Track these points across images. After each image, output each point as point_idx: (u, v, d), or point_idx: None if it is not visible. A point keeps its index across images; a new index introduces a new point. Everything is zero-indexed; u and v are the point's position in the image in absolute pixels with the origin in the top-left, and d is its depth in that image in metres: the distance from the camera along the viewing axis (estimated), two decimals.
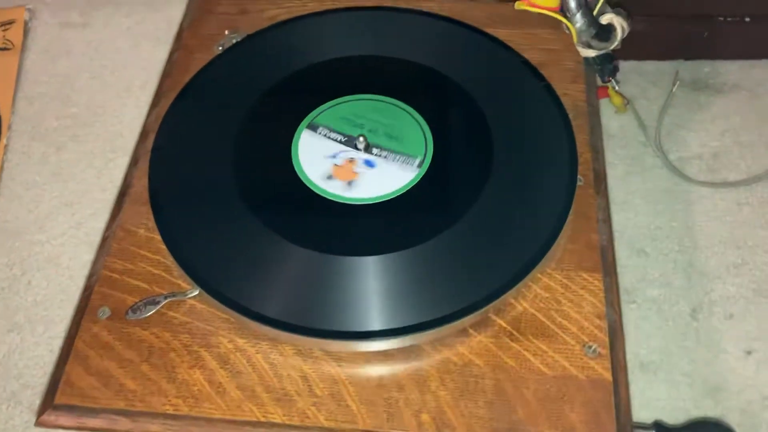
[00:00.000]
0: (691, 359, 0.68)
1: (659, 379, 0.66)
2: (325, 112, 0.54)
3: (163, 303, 0.47)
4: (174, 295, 0.48)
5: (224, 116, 0.54)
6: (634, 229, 0.76)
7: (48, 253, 0.76)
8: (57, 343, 0.70)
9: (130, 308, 0.47)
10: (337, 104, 0.54)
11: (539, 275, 0.48)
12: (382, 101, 0.55)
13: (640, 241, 0.75)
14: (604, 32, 0.55)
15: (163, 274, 0.49)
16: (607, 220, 0.51)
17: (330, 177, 0.51)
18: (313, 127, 0.53)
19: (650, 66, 0.89)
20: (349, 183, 0.50)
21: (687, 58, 0.90)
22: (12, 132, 0.86)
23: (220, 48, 0.61)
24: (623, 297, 0.71)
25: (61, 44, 0.95)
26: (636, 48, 0.88)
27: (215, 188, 0.50)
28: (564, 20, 0.55)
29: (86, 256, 0.75)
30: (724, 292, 0.71)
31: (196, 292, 0.48)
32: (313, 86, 0.56)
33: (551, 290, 0.48)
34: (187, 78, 0.58)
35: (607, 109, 0.82)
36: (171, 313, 0.48)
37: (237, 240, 0.48)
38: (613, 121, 0.85)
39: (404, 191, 0.50)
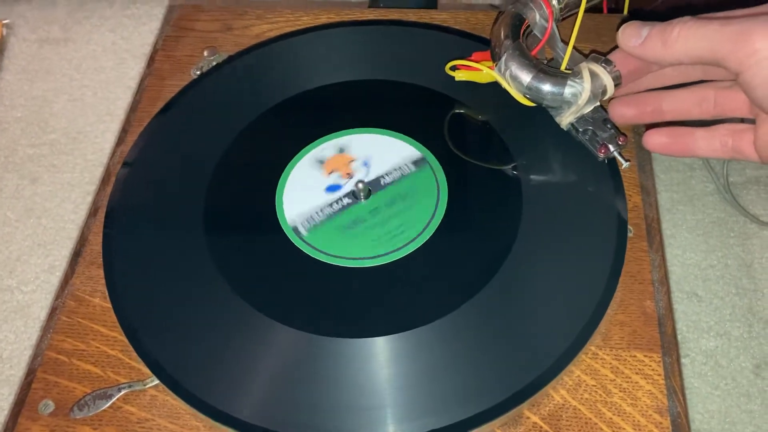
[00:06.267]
0: (757, 426, 0.58)
1: None
2: (311, 152, 0.45)
3: (117, 396, 0.39)
4: (130, 386, 0.39)
5: (197, 162, 0.45)
6: (682, 268, 0.66)
7: (17, 302, 0.68)
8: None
9: (76, 404, 0.38)
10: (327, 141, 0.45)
11: (583, 356, 0.39)
12: (384, 134, 0.45)
13: (690, 282, 0.65)
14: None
15: (120, 355, 0.40)
16: (665, 282, 0.42)
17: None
18: (291, 183, 0.44)
19: None
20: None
21: None
22: None
23: (198, 72, 0.52)
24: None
25: (40, 63, 0.86)
26: None
27: (184, 253, 0.41)
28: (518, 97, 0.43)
29: None
30: None
31: (157, 382, 0.39)
32: (303, 120, 0.47)
33: (598, 376, 0.38)
34: (157, 108, 0.49)
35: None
36: (127, 407, 0.39)
37: (210, 317, 0.39)
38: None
39: (408, 253, 0.40)
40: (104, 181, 0.49)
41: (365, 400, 0.36)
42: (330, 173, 0.44)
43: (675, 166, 0.72)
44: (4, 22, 0.89)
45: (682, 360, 0.61)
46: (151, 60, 0.55)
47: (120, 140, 0.51)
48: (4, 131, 0.80)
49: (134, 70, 0.84)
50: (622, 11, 0.54)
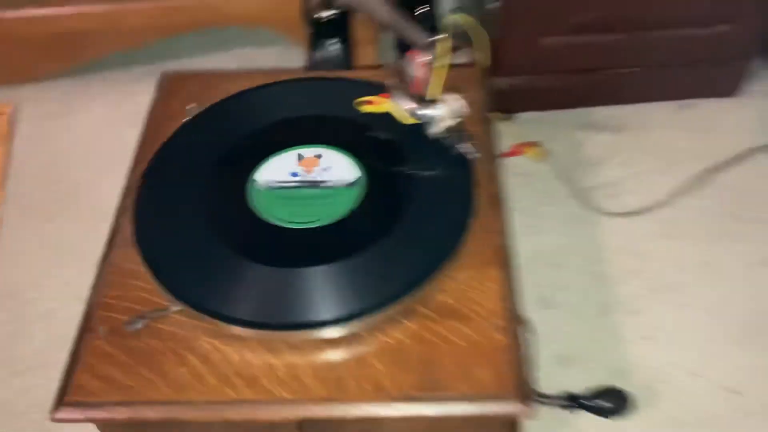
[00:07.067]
0: (600, 348, 0.80)
1: (575, 369, 0.78)
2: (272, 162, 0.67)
3: (152, 317, 0.59)
4: (160, 311, 0.59)
5: (192, 174, 0.67)
6: (549, 247, 0.89)
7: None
8: (55, 385, 0.80)
9: (124, 323, 0.58)
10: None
11: (455, 273, 0.61)
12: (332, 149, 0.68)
13: (555, 257, 0.89)
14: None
15: (149, 297, 0.61)
16: (505, 225, 0.64)
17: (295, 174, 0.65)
18: (259, 183, 0.66)
19: (555, 114, 1.05)
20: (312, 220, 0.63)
21: (588, 105, 1.06)
22: (5, 208, 0.97)
23: (192, 112, 0.74)
24: (538, 305, 0.84)
25: (44, 132, 1.08)
26: (542, 100, 1.04)
27: (192, 229, 0.63)
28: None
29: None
30: (626, 293, 0.84)
31: (179, 308, 0.59)
32: (262, 144, 0.69)
33: (465, 283, 0.60)
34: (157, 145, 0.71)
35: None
36: (159, 326, 0.59)
37: (210, 264, 0.60)
38: (526, 163, 0.99)
39: (343, 217, 0.62)
40: (126, 194, 0.70)
41: (308, 301, 0.57)
42: (300, 165, 0.65)
43: (544, 179, 0.97)
44: (12, 102, 1.10)
45: (549, 310, 0.83)
46: (152, 111, 0.77)
47: (132, 170, 0.72)
48: (20, 184, 1.00)
49: (124, 133, 1.05)
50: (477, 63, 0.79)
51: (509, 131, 0.99)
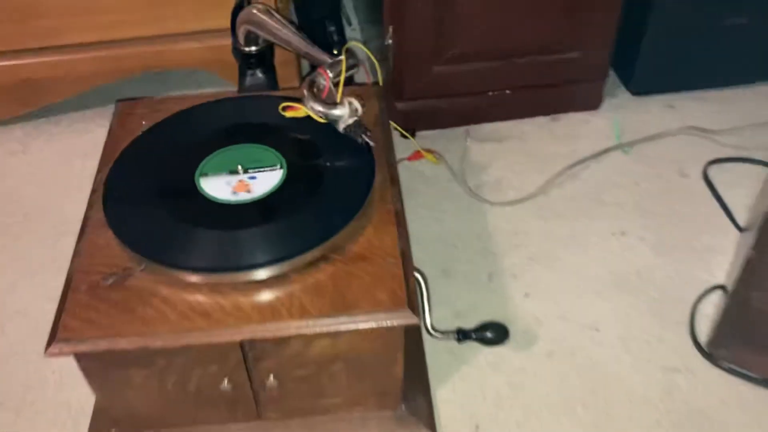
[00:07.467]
0: (489, 304, 0.98)
1: (469, 319, 0.96)
2: (214, 157, 0.85)
3: (122, 276, 0.74)
4: (128, 270, 0.75)
5: (150, 167, 0.84)
6: (448, 232, 1.09)
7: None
8: (29, 370, 0.93)
9: (101, 279, 0.74)
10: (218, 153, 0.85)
11: (361, 230, 0.79)
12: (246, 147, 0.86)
13: (452, 239, 1.08)
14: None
15: (119, 262, 0.76)
16: (398, 196, 0.83)
17: (234, 193, 0.81)
18: (205, 173, 0.83)
19: (449, 131, 1.26)
20: (247, 192, 0.80)
21: (475, 123, 1.27)
22: None
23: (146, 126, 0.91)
24: (440, 276, 1.02)
25: (6, 167, 1.22)
26: (437, 121, 1.25)
27: (152, 207, 0.79)
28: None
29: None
30: (509, 263, 1.04)
31: (143, 267, 0.75)
32: (201, 146, 0.87)
33: (369, 237, 0.78)
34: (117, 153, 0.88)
35: (425, 162, 1.17)
36: (127, 283, 0.74)
37: (167, 232, 0.76)
38: (428, 170, 1.19)
39: (272, 192, 0.80)
40: (94, 191, 0.85)
41: (244, 252, 0.74)
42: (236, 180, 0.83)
43: (441, 181, 1.17)
44: None
45: (447, 279, 1.02)
46: (110, 131, 0.93)
47: (99, 169, 0.88)
48: None
49: (79, 164, 1.21)
50: (378, 82, 0.99)
51: (412, 145, 1.20)
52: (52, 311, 0.71)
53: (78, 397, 0.90)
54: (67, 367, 0.90)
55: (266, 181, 0.81)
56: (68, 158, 1.23)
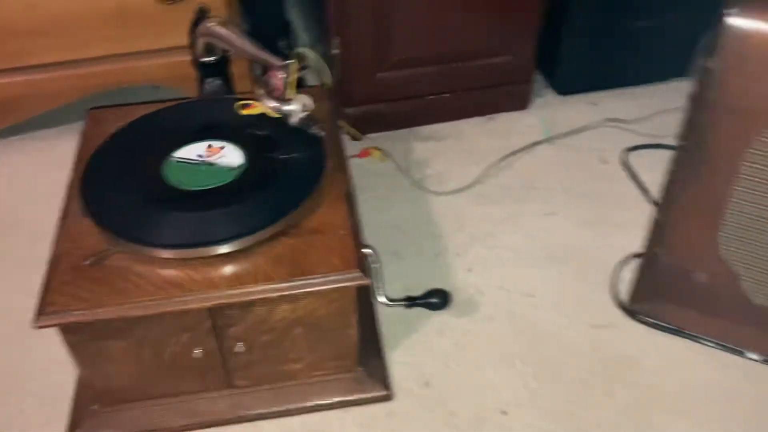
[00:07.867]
0: (436, 279, 1.09)
1: (417, 293, 1.06)
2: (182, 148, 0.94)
3: (101, 256, 0.83)
4: (107, 251, 0.83)
5: (123, 161, 0.93)
6: (397, 219, 1.19)
7: None
8: (13, 352, 1.00)
9: (82, 260, 0.82)
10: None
11: (316, 208, 0.89)
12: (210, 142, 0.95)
13: (401, 225, 1.18)
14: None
15: (97, 245, 0.85)
16: (348, 181, 0.93)
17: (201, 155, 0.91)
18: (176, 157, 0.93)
19: (395, 133, 1.37)
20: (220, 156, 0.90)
21: (418, 125, 1.39)
22: None
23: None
24: (391, 257, 1.13)
25: None
26: (383, 124, 1.36)
27: (124, 194, 0.88)
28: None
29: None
30: (453, 243, 1.15)
31: (117, 249, 0.83)
32: (169, 141, 0.96)
33: (322, 213, 0.88)
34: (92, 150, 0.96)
35: (373, 160, 1.28)
36: (105, 263, 0.83)
37: (138, 216, 0.85)
38: (378, 167, 1.30)
39: (235, 178, 0.90)
40: (70, 188, 0.94)
41: (209, 230, 0.83)
42: (207, 151, 0.92)
43: (390, 176, 1.28)
44: None
45: (399, 261, 1.12)
46: (83, 134, 1.02)
47: (75, 167, 0.97)
48: None
49: (53, 173, 1.28)
50: (325, 84, 1.10)
51: (361, 144, 1.31)
52: (32, 306, 0.78)
53: (60, 384, 0.97)
54: (49, 358, 0.97)
55: (232, 155, 0.91)
56: (40, 170, 1.30)
